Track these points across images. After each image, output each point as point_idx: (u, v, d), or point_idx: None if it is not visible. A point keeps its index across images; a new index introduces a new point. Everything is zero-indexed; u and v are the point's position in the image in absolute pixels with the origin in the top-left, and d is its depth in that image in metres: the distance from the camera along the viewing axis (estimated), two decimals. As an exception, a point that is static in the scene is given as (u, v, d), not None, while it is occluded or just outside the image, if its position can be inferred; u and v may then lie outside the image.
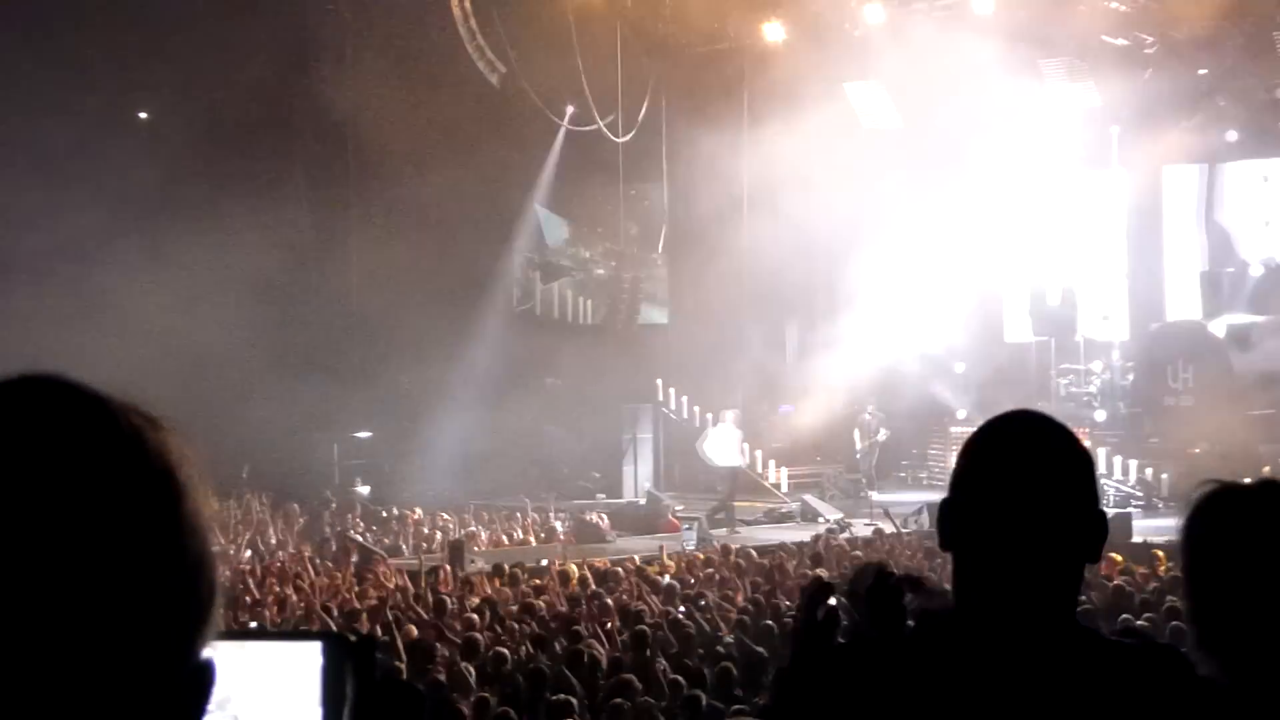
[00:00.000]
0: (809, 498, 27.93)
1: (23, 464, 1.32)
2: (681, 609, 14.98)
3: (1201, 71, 28.23)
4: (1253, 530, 2.80)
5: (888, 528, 22.58)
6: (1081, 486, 2.72)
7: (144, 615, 1.33)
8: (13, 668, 1.29)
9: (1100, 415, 29.18)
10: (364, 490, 28.77)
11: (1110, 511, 16.44)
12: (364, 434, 30.45)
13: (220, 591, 1.41)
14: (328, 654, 1.86)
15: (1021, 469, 2.69)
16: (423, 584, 17.35)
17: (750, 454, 30.71)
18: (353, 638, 1.93)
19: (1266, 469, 25.39)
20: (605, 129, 31.49)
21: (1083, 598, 12.59)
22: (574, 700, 10.74)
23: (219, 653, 1.41)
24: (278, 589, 16.90)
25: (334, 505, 26.54)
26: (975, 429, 2.81)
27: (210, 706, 1.40)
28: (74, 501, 1.32)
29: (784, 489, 29.88)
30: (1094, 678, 2.61)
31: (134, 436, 1.36)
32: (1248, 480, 2.96)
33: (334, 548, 21.84)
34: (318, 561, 19.99)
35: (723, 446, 27.51)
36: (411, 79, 28.47)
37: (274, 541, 23.05)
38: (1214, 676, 2.79)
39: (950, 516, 2.74)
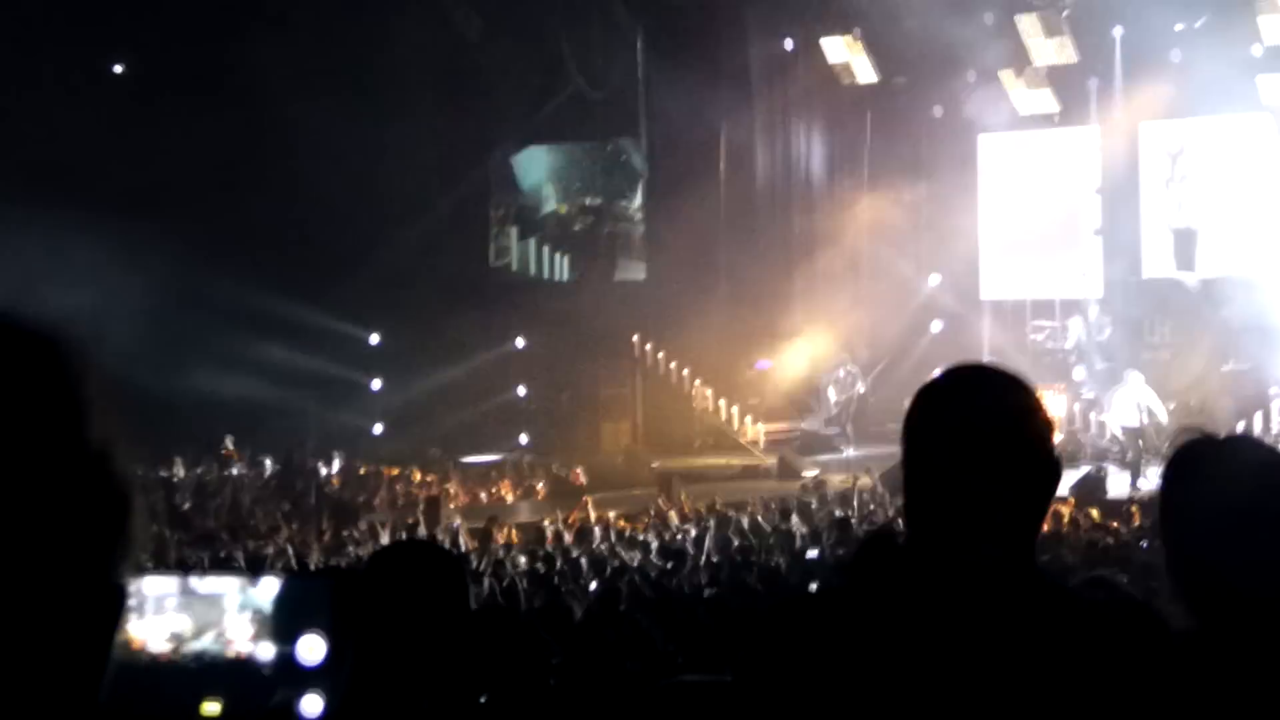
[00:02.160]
0: (786, 453, 27.96)
1: None
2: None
3: (1178, 27, 28.22)
4: (1227, 478, 2.80)
5: (865, 481, 22.59)
6: (1030, 433, 2.71)
7: (38, 532, 1.31)
8: None
9: (1078, 372, 29.24)
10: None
11: (1087, 467, 16.43)
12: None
13: (138, 519, 1.39)
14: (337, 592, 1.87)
15: (968, 415, 2.69)
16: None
17: (727, 410, 30.81)
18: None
19: (1241, 424, 25.52)
20: (583, 83, 31.40)
21: (1061, 551, 12.63)
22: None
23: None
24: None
25: (310, 463, 26.53)
26: (925, 382, 2.81)
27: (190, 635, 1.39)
28: None
29: (761, 446, 29.90)
30: (1048, 628, 2.60)
31: (23, 356, 1.35)
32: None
33: (312, 504, 21.88)
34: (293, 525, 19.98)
35: (1126, 407, 26.44)
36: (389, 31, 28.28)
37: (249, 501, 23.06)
38: (1189, 627, 2.78)
39: (904, 470, 2.74)
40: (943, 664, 2.55)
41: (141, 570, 1.42)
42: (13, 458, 1.31)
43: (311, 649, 3.72)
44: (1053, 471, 2.71)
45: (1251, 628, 2.74)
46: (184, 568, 11.15)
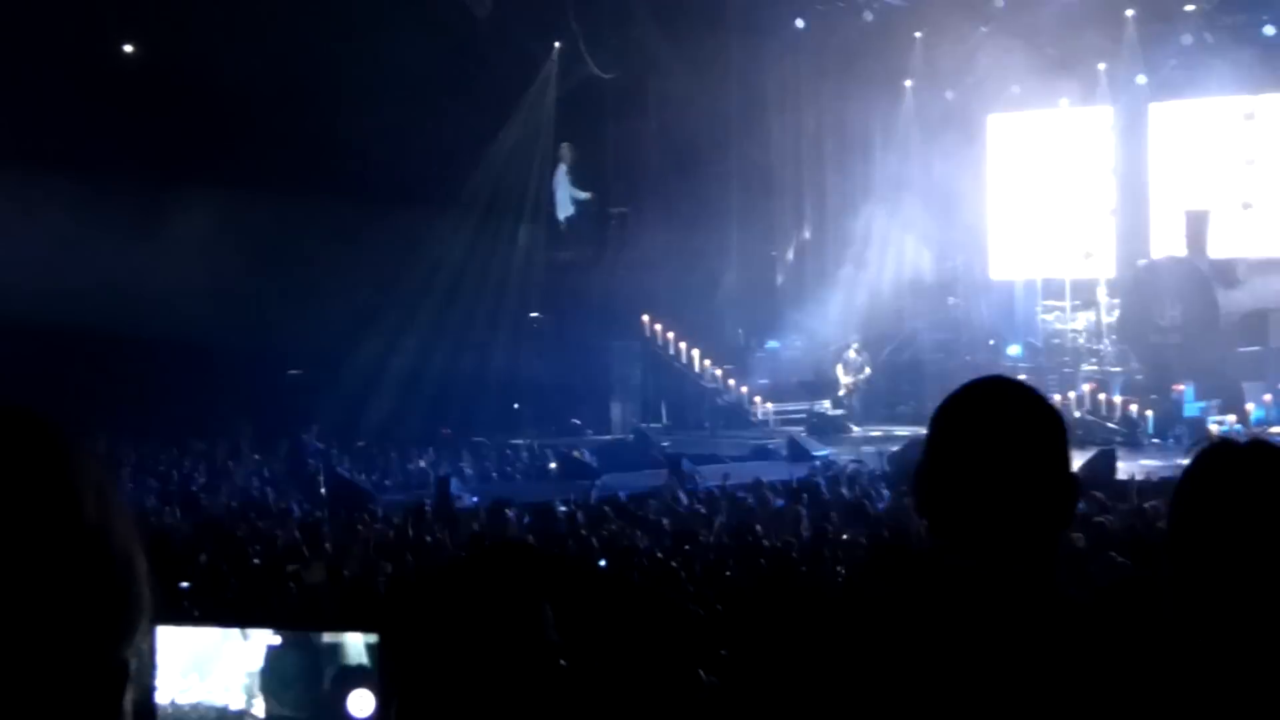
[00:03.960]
0: (796, 434, 27.99)
1: None
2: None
3: (1189, 8, 28.22)
4: (1242, 490, 2.82)
5: (869, 464, 22.64)
6: (1052, 452, 2.75)
7: (46, 614, 1.35)
8: None
9: (1086, 352, 29.31)
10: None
11: (1094, 449, 16.43)
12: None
13: (141, 593, 1.43)
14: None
15: (992, 436, 2.72)
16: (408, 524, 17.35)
17: (737, 390, 30.86)
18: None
19: (1250, 405, 25.55)
20: (592, 64, 31.40)
21: (1075, 535, 12.67)
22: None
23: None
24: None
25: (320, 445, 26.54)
26: (948, 395, 2.84)
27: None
28: None
29: (771, 426, 29.93)
30: (1067, 645, 2.63)
31: (32, 448, 1.39)
32: (1243, 439, 2.99)
33: (321, 488, 21.87)
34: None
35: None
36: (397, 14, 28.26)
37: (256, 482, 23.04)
38: (1198, 630, 2.81)
39: (925, 483, 2.77)
40: (963, 680, 2.59)
41: (148, 634, 1.45)
42: (8, 541, 1.35)
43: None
44: (1073, 490, 2.75)
45: (1260, 633, 2.77)
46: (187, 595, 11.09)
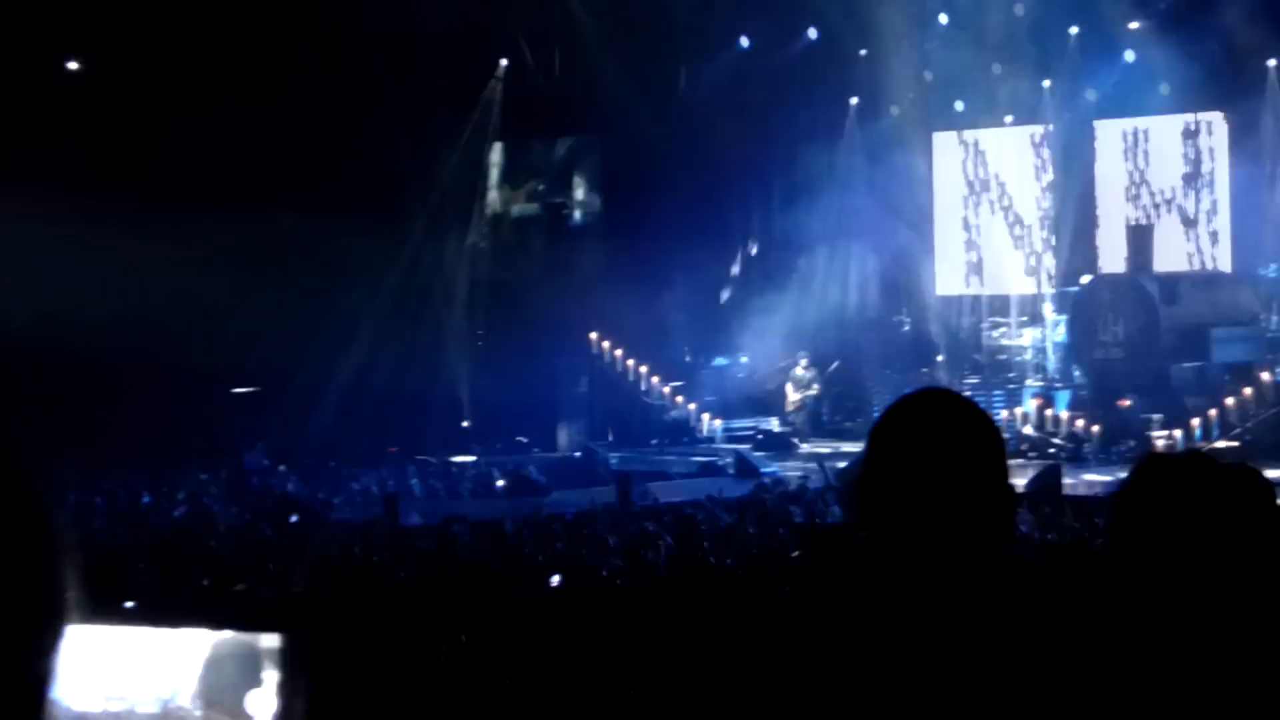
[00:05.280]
0: (744, 451, 28.00)
1: None
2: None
3: (1132, 25, 28.43)
4: (1175, 502, 2.85)
5: (816, 480, 22.66)
6: (988, 462, 2.76)
7: None
8: None
9: (1032, 368, 29.47)
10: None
11: (1041, 465, 16.55)
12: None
13: (66, 610, 1.42)
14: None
15: (929, 448, 2.73)
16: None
17: (685, 407, 30.87)
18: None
19: (1195, 421, 25.70)
20: (537, 72, 31.44)
21: (1023, 549, 12.71)
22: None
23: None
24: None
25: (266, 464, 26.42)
26: (885, 409, 2.85)
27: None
28: None
29: (718, 443, 29.94)
30: (1011, 650, 2.64)
31: None
32: (1178, 451, 3.03)
33: (268, 504, 21.75)
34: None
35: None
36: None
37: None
38: (1138, 640, 2.83)
39: (864, 496, 2.78)
40: (908, 691, 2.59)
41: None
42: None
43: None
44: (1011, 501, 2.77)
45: (1198, 643, 2.80)
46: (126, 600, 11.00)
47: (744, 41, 31.57)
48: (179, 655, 3.92)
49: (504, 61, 31.79)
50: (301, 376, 28.57)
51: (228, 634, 3.86)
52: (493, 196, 33.89)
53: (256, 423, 27.67)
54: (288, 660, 3.66)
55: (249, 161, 27.21)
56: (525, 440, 30.45)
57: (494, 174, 34.08)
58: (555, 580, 14.37)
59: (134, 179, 26.98)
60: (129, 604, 11.59)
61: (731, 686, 2.72)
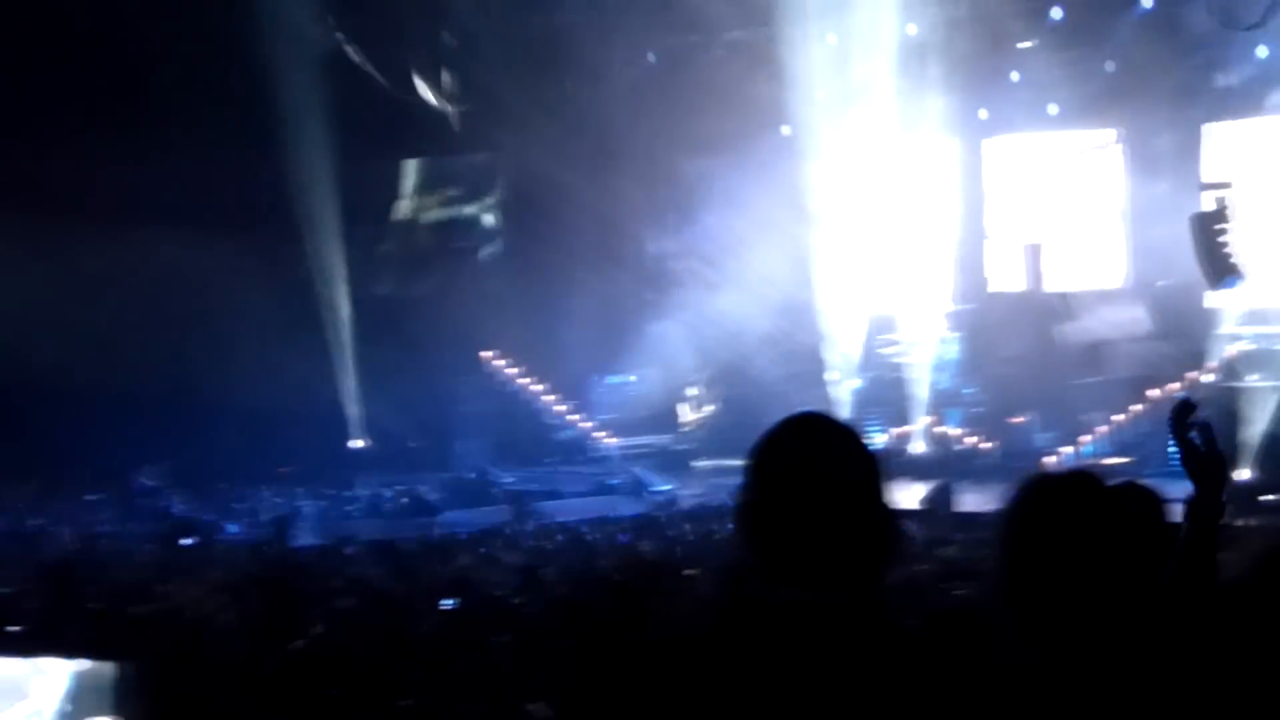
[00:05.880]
0: (639, 470, 28.00)
1: None
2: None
3: (1022, 45, 28.68)
4: (1064, 522, 2.85)
5: (713, 499, 22.68)
6: (865, 486, 2.75)
7: None
8: None
9: (925, 385, 29.59)
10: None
11: (933, 482, 16.55)
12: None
13: None
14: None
15: (805, 473, 2.72)
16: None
17: (581, 426, 30.81)
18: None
19: (1087, 437, 25.93)
20: (434, 95, 31.29)
21: (923, 567, 12.71)
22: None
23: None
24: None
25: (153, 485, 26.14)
26: (762, 433, 2.85)
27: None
28: None
29: (615, 461, 29.91)
30: (889, 675, 2.62)
31: None
32: (1062, 470, 3.02)
33: (161, 526, 21.54)
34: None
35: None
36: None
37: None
38: (1027, 659, 2.81)
39: (744, 519, 2.76)
40: (793, 714, 2.56)
41: None
42: None
43: None
44: (891, 523, 2.75)
45: (1085, 660, 2.78)
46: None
47: (651, 57, 31.60)
48: (42, 684, 3.84)
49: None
50: (191, 398, 28.24)
51: (85, 663, 3.78)
52: (404, 205, 33.71)
53: (145, 444, 27.31)
54: (129, 689, 3.59)
55: (133, 181, 26.88)
56: (418, 457, 30.15)
57: (407, 183, 33.93)
58: (449, 603, 14.25)
59: (17, 202, 26.60)
60: (13, 629, 11.39)
61: (629, 707, 2.67)
